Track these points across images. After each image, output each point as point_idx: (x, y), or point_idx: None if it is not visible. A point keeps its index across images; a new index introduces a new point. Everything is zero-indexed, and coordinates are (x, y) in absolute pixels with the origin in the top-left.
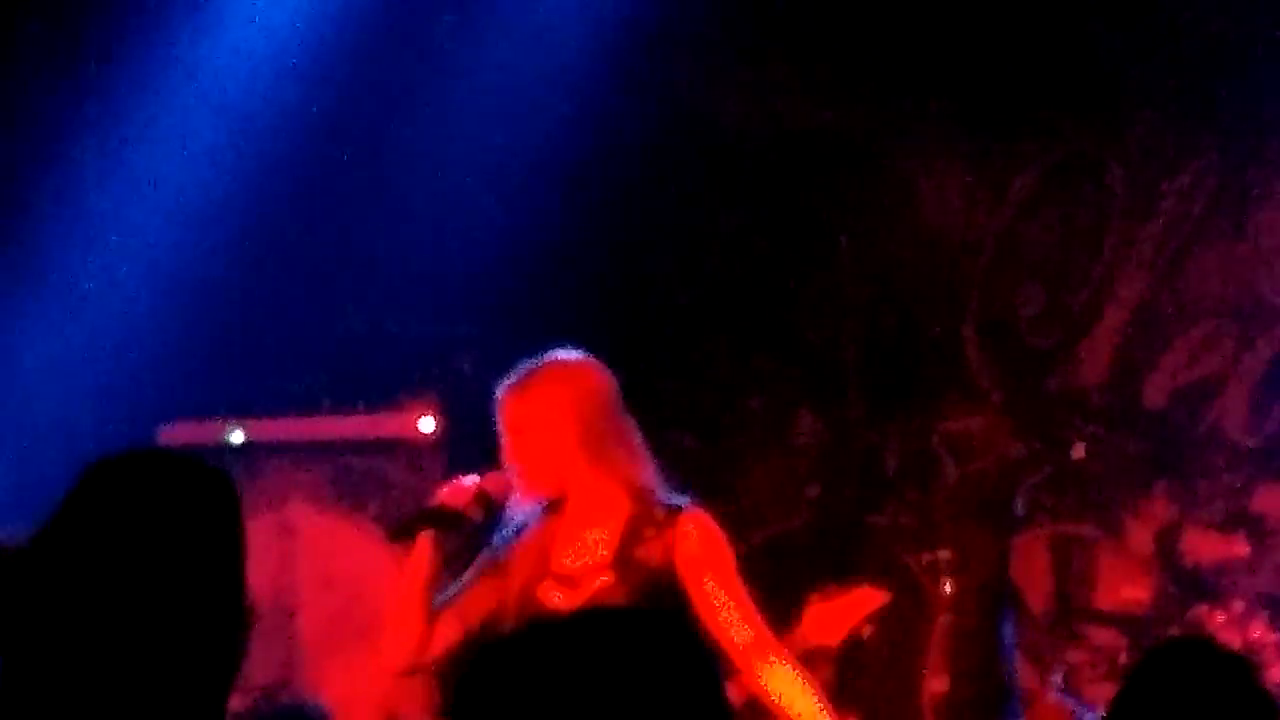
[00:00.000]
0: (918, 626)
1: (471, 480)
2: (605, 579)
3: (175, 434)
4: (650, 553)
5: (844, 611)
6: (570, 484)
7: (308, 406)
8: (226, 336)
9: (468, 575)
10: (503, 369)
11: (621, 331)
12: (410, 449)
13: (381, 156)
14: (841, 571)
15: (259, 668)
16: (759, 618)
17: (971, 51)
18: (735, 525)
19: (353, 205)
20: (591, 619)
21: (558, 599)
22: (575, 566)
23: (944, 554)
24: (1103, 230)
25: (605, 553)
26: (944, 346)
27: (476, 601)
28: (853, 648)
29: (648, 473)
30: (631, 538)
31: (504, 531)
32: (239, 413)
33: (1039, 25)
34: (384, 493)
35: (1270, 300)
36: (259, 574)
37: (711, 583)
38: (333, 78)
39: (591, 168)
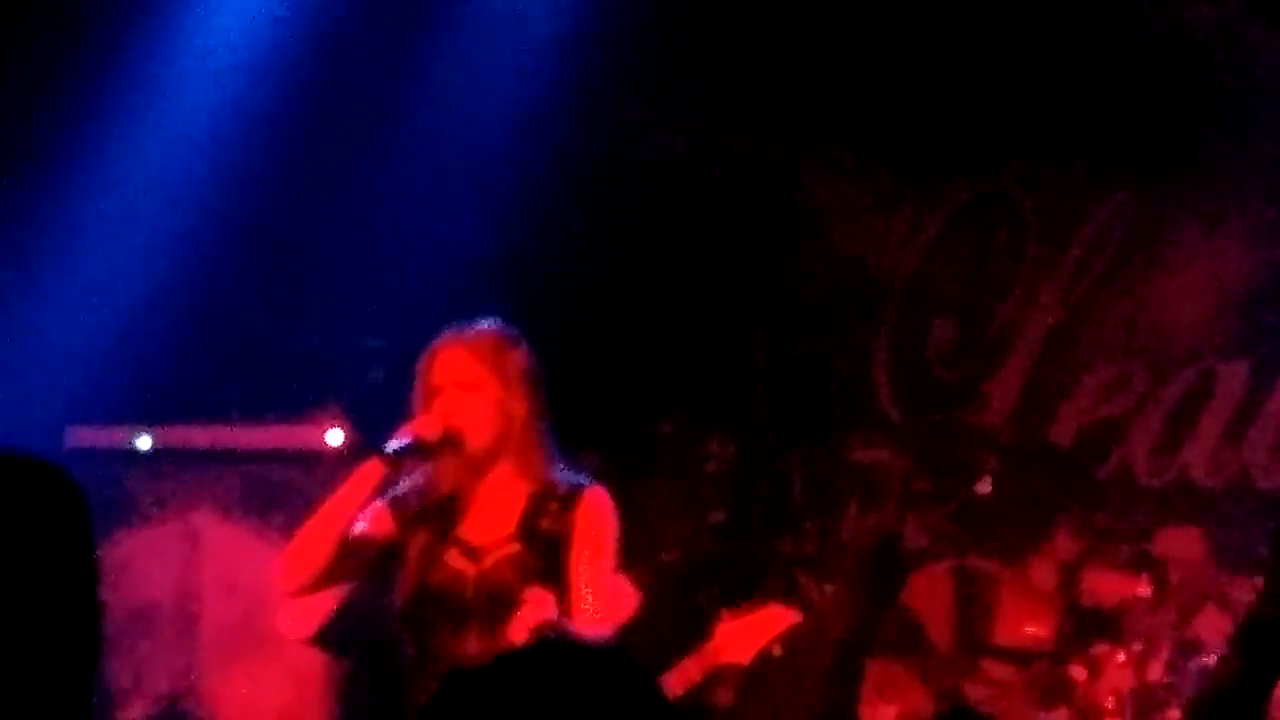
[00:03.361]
0: (816, 654)
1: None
2: (511, 548)
3: (82, 437)
4: (554, 525)
5: (755, 630)
6: (498, 446)
7: (217, 414)
8: (136, 341)
9: (363, 520)
10: (412, 382)
11: (534, 349)
12: (318, 460)
13: (300, 175)
14: (745, 596)
15: (162, 675)
16: (608, 596)
17: (888, 88)
18: (641, 547)
19: (266, 220)
20: (555, 655)
21: (463, 564)
22: (481, 535)
23: None
24: (1015, 268)
25: (510, 523)
26: (853, 377)
27: (369, 546)
28: (759, 667)
29: (555, 451)
30: (535, 510)
31: (401, 485)
32: (147, 418)
33: (956, 65)
34: (291, 503)
35: (1179, 343)
36: (163, 579)
37: (588, 551)
38: (262, 106)
39: (509, 188)
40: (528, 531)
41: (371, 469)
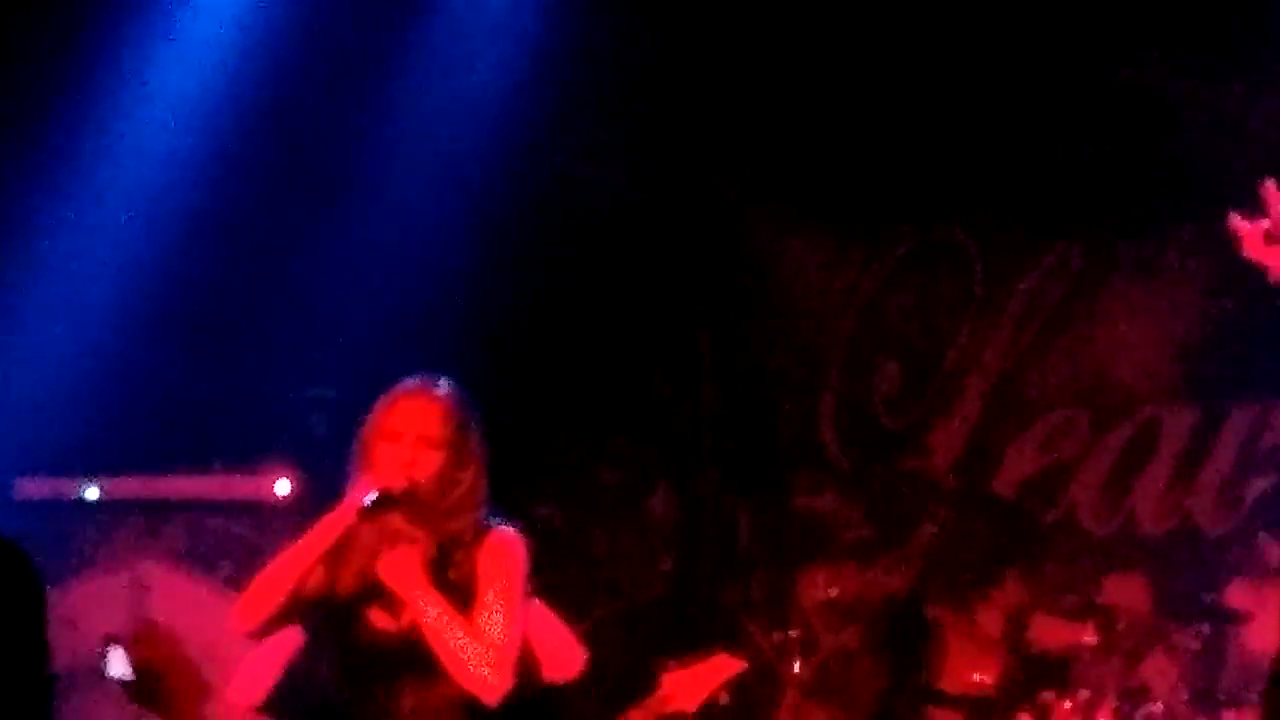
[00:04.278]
0: (765, 702)
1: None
2: None
3: (30, 488)
4: (460, 572)
5: (702, 678)
6: (438, 504)
7: (164, 465)
8: (84, 393)
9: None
10: (355, 431)
11: (480, 400)
12: (265, 510)
13: (245, 229)
14: (693, 644)
15: None
16: (515, 632)
17: (834, 139)
18: (590, 595)
19: (211, 273)
20: None
21: (387, 622)
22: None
23: (794, 633)
24: (960, 315)
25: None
26: (800, 425)
27: (310, 597)
28: (706, 715)
29: (483, 514)
30: (444, 561)
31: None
32: (95, 469)
33: (902, 116)
34: (237, 553)
35: (1124, 391)
36: (111, 629)
37: (492, 582)
38: (208, 162)
39: (453, 236)
40: (439, 582)
41: (342, 517)
